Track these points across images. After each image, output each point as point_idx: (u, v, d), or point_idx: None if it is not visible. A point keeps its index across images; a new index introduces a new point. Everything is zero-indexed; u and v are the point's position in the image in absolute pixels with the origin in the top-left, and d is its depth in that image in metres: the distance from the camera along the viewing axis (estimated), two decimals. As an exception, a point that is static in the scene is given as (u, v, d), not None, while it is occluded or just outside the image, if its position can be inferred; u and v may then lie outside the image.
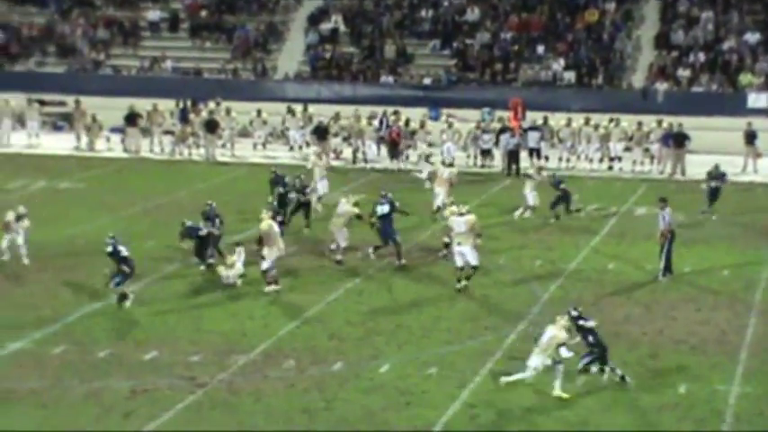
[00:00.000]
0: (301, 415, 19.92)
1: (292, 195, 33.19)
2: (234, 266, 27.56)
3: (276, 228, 27.43)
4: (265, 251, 27.06)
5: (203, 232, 28.82)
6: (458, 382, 21.49)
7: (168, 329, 24.46)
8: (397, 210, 30.04)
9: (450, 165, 37.20)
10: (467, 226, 27.29)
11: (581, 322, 21.35)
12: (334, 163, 42.40)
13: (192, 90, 51.88)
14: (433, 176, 36.19)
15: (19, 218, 29.69)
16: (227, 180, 41.95)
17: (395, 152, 45.04)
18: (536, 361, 20.70)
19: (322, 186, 36.68)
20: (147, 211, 36.37)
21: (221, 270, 27.65)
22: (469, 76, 53.55)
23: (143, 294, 26.86)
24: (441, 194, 34.39)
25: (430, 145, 44.49)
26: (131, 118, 47.55)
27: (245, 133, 48.76)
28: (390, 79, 53.85)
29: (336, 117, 46.34)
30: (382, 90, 52.71)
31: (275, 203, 32.58)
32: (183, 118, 47.62)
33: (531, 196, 35.16)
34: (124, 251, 25.97)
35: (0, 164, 44.33)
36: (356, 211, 30.04)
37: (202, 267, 28.83)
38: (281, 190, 33.62)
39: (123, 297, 25.87)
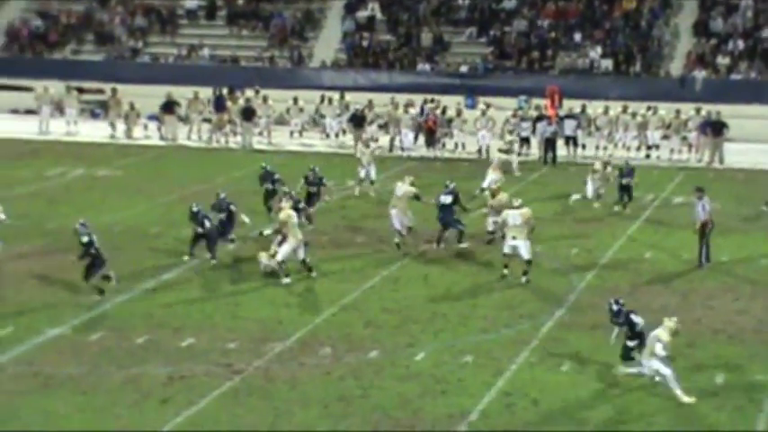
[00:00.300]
0: (337, 402, 19.96)
1: (286, 189, 31.80)
2: (275, 255, 27.45)
3: (295, 218, 27.36)
4: (285, 240, 27.02)
5: (200, 231, 28.38)
6: (494, 371, 21.47)
7: (205, 316, 24.56)
8: (459, 203, 29.98)
9: (507, 151, 37.66)
10: (522, 219, 27.18)
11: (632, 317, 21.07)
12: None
13: (228, 78, 52.00)
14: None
15: None
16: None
17: (431, 140, 45.02)
18: (653, 364, 20.24)
19: (371, 172, 37.05)
20: (183, 198, 36.44)
21: (262, 257, 27.61)
22: (506, 64, 53.42)
23: (180, 281, 26.98)
24: (490, 177, 34.80)
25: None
26: (168, 106, 47.73)
27: (281, 121, 48.85)
28: (427, 67, 53.79)
29: (370, 105, 46.31)
30: (419, 78, 52.66)
31: (264, 199, 32.40)
32: (220, 106, 47.73)
33: (591, 188, 35.04)
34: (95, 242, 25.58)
35: (39, 151, 44.62)
36: (414, 190, 30.11)
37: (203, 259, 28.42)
38: (269, 186, 32.78)
39: (107, 278, 25.88)
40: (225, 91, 49.05)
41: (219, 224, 28.90)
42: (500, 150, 39.72)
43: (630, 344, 21.02)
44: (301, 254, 27.13)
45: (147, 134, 47.85)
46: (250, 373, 21.29)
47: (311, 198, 32.54)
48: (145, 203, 35.49)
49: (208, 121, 47.91)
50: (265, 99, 47.97)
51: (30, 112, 51.76)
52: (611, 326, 21.48)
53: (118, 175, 40.32)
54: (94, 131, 48.33)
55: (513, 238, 27.12)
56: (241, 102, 47.56)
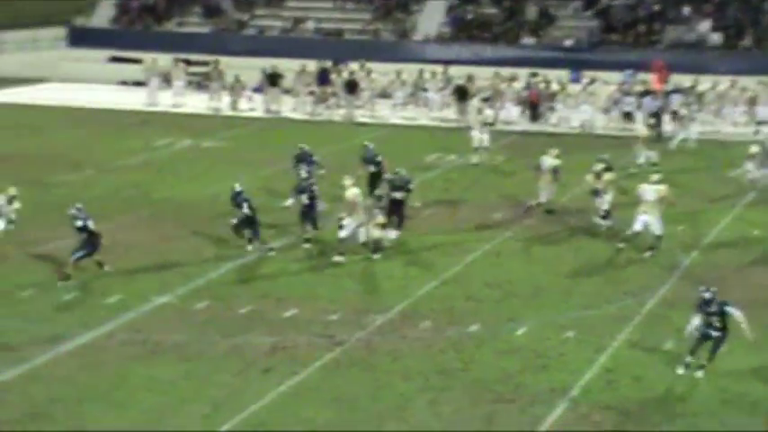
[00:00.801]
0: (438, 375, 20.04)
1: (323, 171, 31.25)
2: (385, 228, 27.41)
3: (360, 197, 27.17)
4: (346, 220, 26.87)
5: (244, 213, 27.13)
6: (596, 347, 21.39)
7: (308, 288, 24.78)
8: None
9: (652, 126, 38.95)
10: (656, 195, 26.97)
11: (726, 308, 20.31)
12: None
13: (333, 51, 52.19)
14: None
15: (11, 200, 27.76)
16: (367, 141, 42.11)
17: (535, 114, 44.80)
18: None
19: (485, 139, 37.45)
20: (287, 170, 36.72)
21: (372, 229, 27.50)
22: (612, 38, 52.85)
23: (284, 253, 27.22)
24: (643, 153, 35.62)
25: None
26: (273, 78, 48.08)
27: (384, 94, 48.92)
28: (531, 40, 53.44)
29: (470, 78, 46.16)
30: (523, 51, 52.34)
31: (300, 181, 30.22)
32: (324, 79, 47.94)
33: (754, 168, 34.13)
34: (92, 225, 25.07)
35: (148, 122, 45.27)
36: (558, 162, 30.28)
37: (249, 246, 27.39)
38: (303, 169, 30.01)
39: (100, 265, 25.39)
40: (329, 64, 49.25)
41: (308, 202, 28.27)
42: (648, 126, 39.71)
43: (715, 334, 20.00)
44: (362, 237, 27.04)
45: (251, 106, 48.26)
46: (352, 345, 21.46)
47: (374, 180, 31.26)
48: (249, 174, 35.79)
49: (312, 93, 48.17)
50: (369, 72, 48.08)
51: (138, 83, 52.50)
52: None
53: (223, 147, 40.76)
54: (201, 103, 48.87)
55: (644, 212, 26.88)
56: (345, 75, 47.73)
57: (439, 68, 48.32)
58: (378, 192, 29.98)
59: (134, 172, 35.85)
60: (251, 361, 20.57)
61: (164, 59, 51.07)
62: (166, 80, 50.44)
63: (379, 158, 31.30)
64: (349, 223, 26.75)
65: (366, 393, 19.23)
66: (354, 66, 48.97)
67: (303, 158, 31.61)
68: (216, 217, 30.12)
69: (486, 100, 45.44)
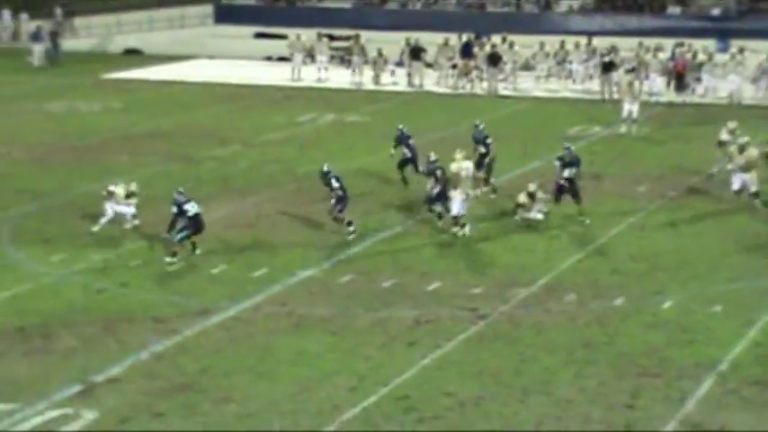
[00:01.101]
0: (582, 349, 19.93)
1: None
2: (532, 195, 27.25)
3: (469, 170, 26.76)
4: (452, 193, 26.49)
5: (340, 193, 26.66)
6: (744, 321, 21.03)
7: (451, 261, 24.82)
8: None
9: None
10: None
11: None
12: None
13: (475, 23, 52.09)
14: None
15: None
16: (509, 114, 42.02)
17: (681, 85, 44.09)
18: None
19: (634, 111, 37.20)
20: (430, 143, 36.74)
21: (519, 198, 27.34)
22: (761, 6, 51.69)
23: (427, 226, 27.29)
24: None
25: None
26: (415, 52, 48.14)
27: (527, 66, 48.64)
28: (677, 10, 52.56)
29: (611, 50, 45.54)
30: (668, 21, 51.64)
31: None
32: (467, 52, 47.83)
33: None
34: (192, 209, 24.74)
35: (292, 97, 45.76)
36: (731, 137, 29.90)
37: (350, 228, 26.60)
38: (406, 152, 30.52)
39: (193, 247, 25.15)
40: (471, 37, 49.11)
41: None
42: None
43: None
44: (462, 210, 26.48)
45: (394, 80, 48.41)
46: (495, 318, 21.46)
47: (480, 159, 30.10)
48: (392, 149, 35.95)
49: (455, 67, 48.13)
50: (511, 45, 47.82)
51: (282, 59, 53.11)
52: None
53: (366, 121, 40.99)
54: (344, 78, 49.19)
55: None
56: (487, 48, 47.55)
57: (582, 40, 47.84)
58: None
59: (278, 147, 36.30)
60: (395, 334, 20.72)
61: (307, 35, 51.52)
62: (310, 55, 50.89)
63: (489, 140, 30.38)
64: (456, 197, 26.42)
65: (510, 367, 19.23)
66: (497, 38, 48.75)
67: (401, 140, 31.11)
68: (360, 191, 30.33)
69: (630, 71, 44.87)
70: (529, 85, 46.99)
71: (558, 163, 27.64)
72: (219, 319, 21.49)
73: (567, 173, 27.25)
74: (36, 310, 21.82)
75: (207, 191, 30.26)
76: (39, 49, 53.62)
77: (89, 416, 17.27)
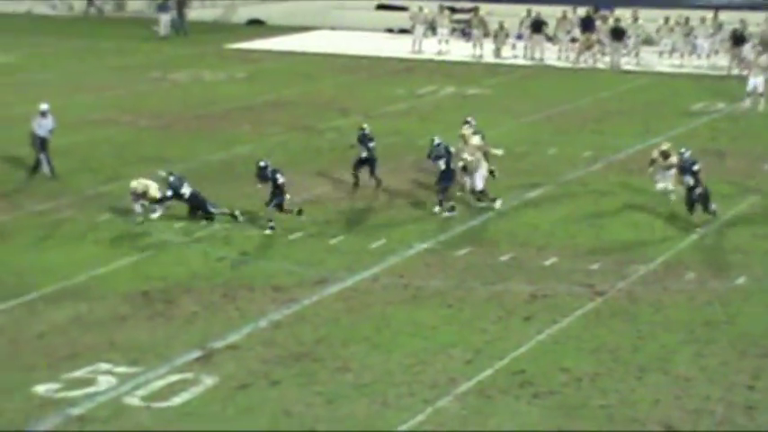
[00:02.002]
0: (702, 327, 19.72)
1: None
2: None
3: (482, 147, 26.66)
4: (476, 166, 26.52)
5: (364, 155, 26.93)
6: None
7: (569, 237, 24.71)
8: None
9: None
10: None
11: None
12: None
13: (597, -3, 51.55)
14: None
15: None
16: (631, 89, 41.59)
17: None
18: None
19: (758, 85, 36.62)
20: (549, 118, 36.67)
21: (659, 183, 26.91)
22: None
23: (544, 200, 27.20)
24: None
25: None
26: (536, 25, 47.84)
27: (650, 41, 48.03)
28: (808, -17, 51.43)
29: (742, 23, 44.67)
30: (798, -5, 50.49)
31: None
32: (588, 25, 47.38)
33: None
34: (187, 191, 25.28)
35: (413, 69, 45.82)
36: None
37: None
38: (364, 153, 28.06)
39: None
40: (591, 10, 48.63)
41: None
42: None
43: None
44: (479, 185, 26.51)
45: (514, 54, 48.18)
46: (613, 295, 21.33)
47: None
48: (511, 122, 35.89)
49: (574, 41, 47.73)
50: (635, 18, 47.25)
51: (404, 31, 53.19)
52: None
53: (486, 94, 40.90)
54: (464, 50, 49.10)
55: None
56: (610, 21, 47.05)
57: (708, 14, 47.06)
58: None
59: (398, 119, 36.41)
60: (511, 308, 20.72)
61: (429, 7, 51.49)
62: (431, 28, 50.90)
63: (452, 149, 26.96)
64: (480, 170, 26.42)
65: (627, 344, 19.10)
66: (621, 12, 48.17)
67: (362, 140, 28.12)
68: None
69: (758, 45, 44.07)
70: (652, 59, 46.40)
71: (674, 171, 25.89)
72: (337, 289, 21.70)
73: (688, 180, 25.07)
74: (159, 275, 22.26)
75: (327, 161, 30.52)
76: (165, 19, 54.42)
77: (208, 381, 17.58)
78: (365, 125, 28.33)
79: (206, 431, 16.03)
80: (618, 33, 46.01)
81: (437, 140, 26.44)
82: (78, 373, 17.76)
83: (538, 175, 29.37)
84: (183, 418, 16.40)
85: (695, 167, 24.74)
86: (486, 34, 48.85)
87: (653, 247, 23.91)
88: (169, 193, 25.19)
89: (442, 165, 26.13)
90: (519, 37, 48.98)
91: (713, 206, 24.97)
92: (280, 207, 24.95)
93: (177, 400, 16.92)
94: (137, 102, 38.70)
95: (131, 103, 38.50)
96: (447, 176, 26.23)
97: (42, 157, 28.93)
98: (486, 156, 26.89)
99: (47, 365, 18.05)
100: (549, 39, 48.39)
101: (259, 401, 16.94)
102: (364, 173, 28.04)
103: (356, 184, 28.03)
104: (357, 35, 54.61)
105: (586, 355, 18.69)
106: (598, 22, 47.46)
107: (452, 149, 26.47)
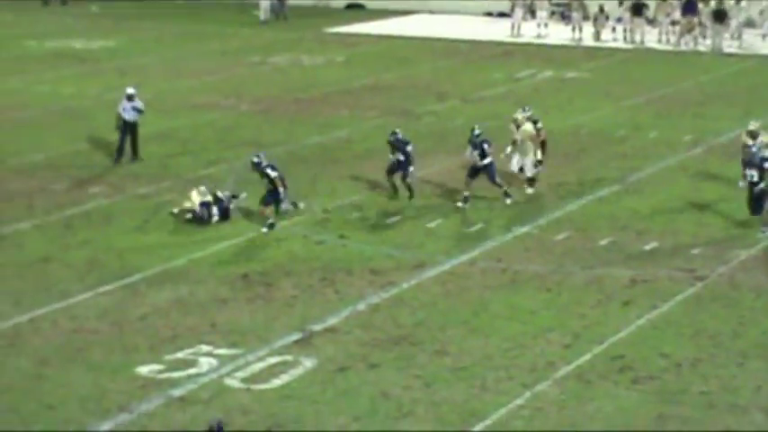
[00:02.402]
0: (804, 314, 19.47)
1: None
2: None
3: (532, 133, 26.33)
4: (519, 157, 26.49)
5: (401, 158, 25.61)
6: None
7: (669, 221, 24.47)
8: None
9: None
10: None
11: None
12: None
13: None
14: None
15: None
16: (733, 72, 41.01)
17: None
18: None
19: None
20: (650, 101, 36.31)
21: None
22: None
23: (645, 186, 26.96)
24: None
25: None
26: (637, 8, 47.35)
27: (753, 23, 47.28)
28: None
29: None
30: None
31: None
32: (690, 8, 46.77)
33: None
34: (272, 172, 23.90)
35: (511, 53, 45.63)
36: None
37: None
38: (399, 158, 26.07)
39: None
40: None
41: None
42: None
43: None
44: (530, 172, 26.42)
45: (614, 37, 47.76)
46: (713, 280, 21.10)
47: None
48: (611, 106, 35.60)
49: (676, 23, 47.15)
50: (738, 0, 46.53)
51: (502, 14, 53.00)
52: None
53: (585, 78, 40.60)
54: (563, 34, 48.79)
55: None
56: (712, 3, 46.40)
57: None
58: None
59: (496, 103, 36.28)
60: (610, 293, 20.59)
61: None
62: (530, 11, 50.64)
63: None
64: (529, 156, 26.35)
65: (728, 329, 18.90)
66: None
67: (397, 145, 26.16)
68: (578, 148, 30.20)
69: None
70: (755, 42, 45.68)
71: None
72: (435, 272, 21.75)
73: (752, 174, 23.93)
74: (258, 258, 22.49)
75: (424, 145, 30.51)
76: (265, 4, 54.77)
77: (308, 363, 17.74)
78: (397, 129, 26.65)
79: (305, 413, 16.18)
80: (720, 16, 45.34)
81: (477, 131, 25.81)
82: (180, 355, 18.03)
83: (638, 159, 29.11)
84: (283, 400, 16.57)
85: (766, 164, 23.57)
86: (585, 17, 48.49)
87: (754, 231, 23.58)
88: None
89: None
90: (619, 20, 48.51)
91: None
92: (277, 205, 24.07)
93: (277, 382, 17.11)
94: (237, 86, 39.04)
95: (232, 87, 38.85)
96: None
97: (122, 139, 28.88)
98: (541, 145, 26.75)
99: (149, 347, 18.36)
100: (650, 21, 47.87)
101: (357, 384, 17.06)
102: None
103: (395, 190, 26.13)
104: (455, 19, 54.50)
105: (686, 340, 18.53)
106: (700, 5, 46.82)
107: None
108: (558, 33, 49.07)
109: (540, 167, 26.59)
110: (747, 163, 24.54)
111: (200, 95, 37.31)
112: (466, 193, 25.59)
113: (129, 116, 28.95)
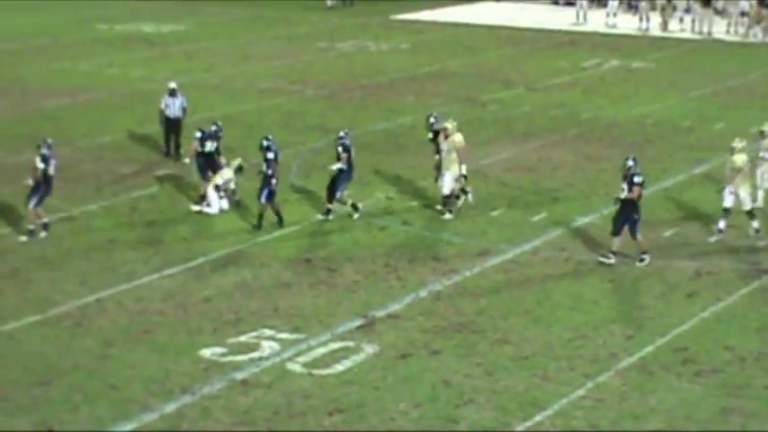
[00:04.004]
0: None
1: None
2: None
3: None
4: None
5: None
6: None
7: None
8: None
9: None
10: None
11: None
12: None
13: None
14: None
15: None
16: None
17: None
18: None
19: None
20: (716, 92, 36.02)
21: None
22: None
23: (710, 175, 26.72)
24: None
25: None
26: (706, -2, 47.01)
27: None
28: None
29: None
30: None
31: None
32: (761, -1, 46.36)
33: None
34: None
35: (577, 42, 45.40)
36: None
37: None
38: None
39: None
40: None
41: None
42: None
43: None
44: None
45: (682, 27, 47.36)
46: (779, 274, 20.94)
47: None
48: (677, 97, 35.35)
49: (745, 14, 46.68)
50: (809, -9, 46.06)
51: (569, 3, 52.75)
52: None
53: (651, 68, 40.31)
54: (629, 23, 48.47)
55: None
56: (783, -6, 45.95)
57: None
58: None
59: (562, 91, 36.17)
60: (674, 284, 20.48)
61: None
62: (599, 0, 50.40)
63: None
64: (450, 171, 23.88)
65: (793, 324, 18.77)
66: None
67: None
68: (643, 138, 30.03)
69: None
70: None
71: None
72: (498, 260, 21.73)
73: None
74: (322, 244, 22.58)
75: (489, 133, 30.52)
76: (333, -10, 54.93)
77: (369, 350, 17.80)
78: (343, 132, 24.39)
79: (366, 399, 16.26)
80: (790, 6, 44.89)
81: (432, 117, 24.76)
82: (243, 338, 18.17)
83: (703, 151, 28.89)
84: (344, 385, 16.65)
85: None
86: (652, 7, 48.12)
87: (822, 226, 23.35)
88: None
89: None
90: (687, 10, 48.11)
91: None
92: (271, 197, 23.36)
93: (339, 368, 17.19)
94: (304, 71, 39.18)
95: (299, 72, 38.99)
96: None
97: (167, 137, 28.10)
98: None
99: (212, 330, 18.51)
100: (719, 12, 47.42)
101: (419, 371, 17.11)
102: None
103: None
104: (521, 7, 54.33)
105: (751, 333, 18.40)
106: (770, -4, 46.39)
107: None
108: (625, 23, 48.76)
109: (459, 183, 24.09)
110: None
111: (267, 80, 37.49)
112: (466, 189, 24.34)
113: (172, 113, 28.13)
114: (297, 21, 50.65)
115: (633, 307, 19.55)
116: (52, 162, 22.67)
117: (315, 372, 17.07)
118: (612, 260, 21.30)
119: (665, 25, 47.49)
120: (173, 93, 28.22)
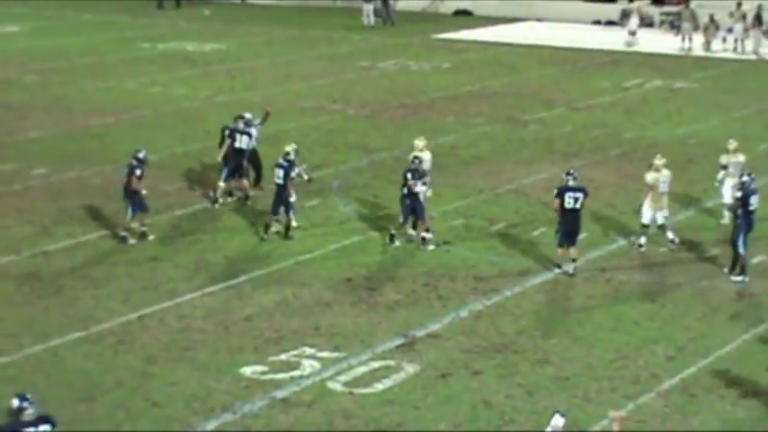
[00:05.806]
0: None
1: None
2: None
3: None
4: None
5: None
6: None
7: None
8: None
9: None
10: None
11: None
12: None
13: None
14: None
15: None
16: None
17: None
18: None
19: None
20: (760, 112, 35.85)
21: None
22: None
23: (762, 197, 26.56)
24: None
25: None
26: (756, 18, 46.78)
27: None
28: None
29: None
30: None
31: None
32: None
33: None
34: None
35: (618, 62, 45.28)
36: None
37: None
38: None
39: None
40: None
41: None
42: None
43: None
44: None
45: (725, 47, 47.17)
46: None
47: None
48: (720, 117, 35.20)
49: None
50: None
51: (611, 22, 52.69)
52: None
53: (694, 88, 40.17)
54: (672, 44, 48.35)
55: None
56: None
57: None
58: None
59: (603, 111, 36.10)
60: (716, 306, 20.40)
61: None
62: (641, 20, 50.28)
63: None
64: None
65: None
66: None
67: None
68: (686, 158, 29.91)
69: None
70: None
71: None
72: (538, 280, 21.71)
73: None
74: (363, 263, 22.62)
75: (530, 153, 30.50)
76: (368, 8, 55.04)
77: (410, 369, 17.83)
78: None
79: (407, 419, 16.27)
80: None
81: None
82: (284, 357, 18.24)
83: (746, 171, 28.65)
84: (385, 404, 16.69)
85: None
86: (695, 27, 47.97)
87: None
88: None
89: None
90: (729, 30, 47.92)
91: None
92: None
93: (379, 387, 17.23)
94: (345, 90, 39.29)
95: (340, 91, 39.10)
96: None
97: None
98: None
99: (254, 348, 18.60)
100: (765, 32, 47.21)
101: (459, 391, 17.12)
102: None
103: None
104: (563, 26, 54.27)
105: (794, 356, 18.30)
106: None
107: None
108: (667, 42, 48.63)
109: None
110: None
111: (309, 99, 37.62)
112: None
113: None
114: (338, 40, 50.81)
115: (675, 328, 19.48)
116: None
117: (355, 391, 17.12)
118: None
119: (707, 45, 47.32)
120: (248, 123, 26.50)
